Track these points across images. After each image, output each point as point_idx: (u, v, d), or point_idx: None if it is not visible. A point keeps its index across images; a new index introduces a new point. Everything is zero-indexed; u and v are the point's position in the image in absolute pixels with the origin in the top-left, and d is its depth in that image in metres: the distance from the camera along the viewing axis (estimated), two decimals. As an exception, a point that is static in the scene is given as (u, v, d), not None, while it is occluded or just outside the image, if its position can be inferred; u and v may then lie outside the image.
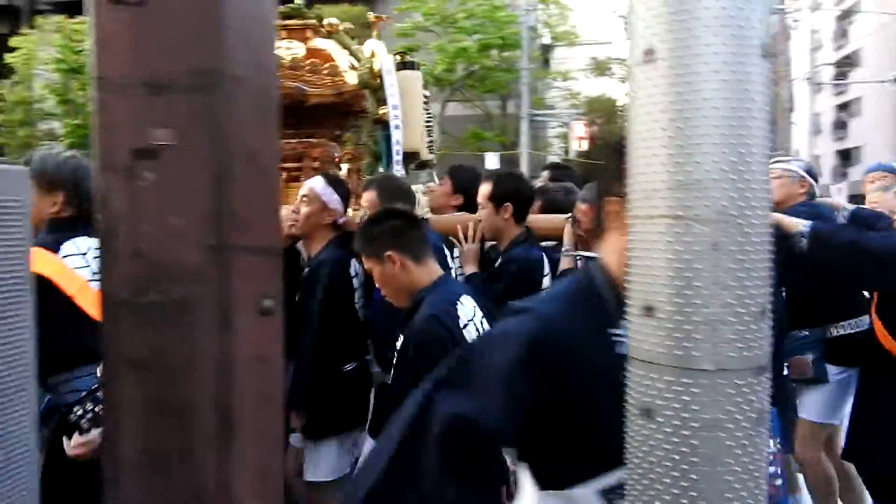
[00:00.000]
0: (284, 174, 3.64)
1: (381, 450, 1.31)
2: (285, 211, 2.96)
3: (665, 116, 0.86)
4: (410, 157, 4.05)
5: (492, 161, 14.24)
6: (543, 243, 3.17)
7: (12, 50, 20.08)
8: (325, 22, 3.97)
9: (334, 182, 3.08)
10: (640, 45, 0.90)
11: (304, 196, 3.01)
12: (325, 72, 3.65)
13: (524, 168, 15.48)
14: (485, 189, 3.02)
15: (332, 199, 2.98)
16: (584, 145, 17.71)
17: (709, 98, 0.84)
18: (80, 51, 18.40)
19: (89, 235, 2.14)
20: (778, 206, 2.84)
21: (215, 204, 0.86)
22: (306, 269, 2.97)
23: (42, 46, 20.20)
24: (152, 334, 0.88)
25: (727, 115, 0.84)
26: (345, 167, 4.08)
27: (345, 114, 3.94)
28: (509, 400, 1.19)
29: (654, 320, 0.86)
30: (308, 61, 3.69)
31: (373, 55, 3.84)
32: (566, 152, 21.74)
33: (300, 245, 3.14)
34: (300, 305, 2.88)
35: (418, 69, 4.07)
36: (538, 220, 3.18)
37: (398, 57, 4.09)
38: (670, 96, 0.86)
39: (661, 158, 0.87)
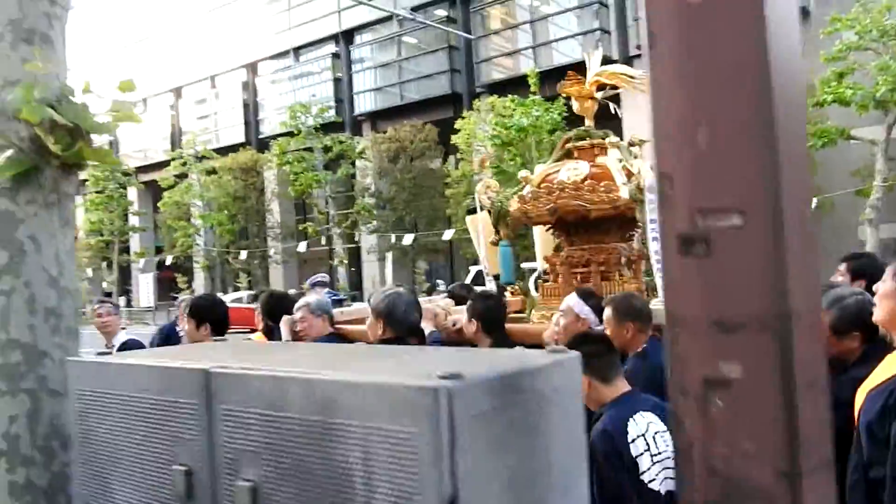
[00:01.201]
0: (578, 276, 4.35)
1: None
2: (552, 325, 3.56)
3: None
4: None
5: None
6: None
7: (457, 131, 23.41)
8: (607, 140, 4.48)
9: (586, 295, 3.55)
10: None
11: (561, 310, 3.48)
12: (602, 189, 4.14)
13: None
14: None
15: (584, 310, 3.44)
16: None
17: None
18: (511, 125, 20.61)
19: None
20: None
21: (785, 431, 0.94)
22: None
23: (479, 125, 23.19)
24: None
25: None
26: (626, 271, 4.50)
27: (623, 222, 4.40)
28: None
29: None
30: (586, 182, 4.23)
31: (639, 172, 4.15)
32: None
33: None
34: None
35: None
36: None
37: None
38: None
39: None
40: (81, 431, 1.70)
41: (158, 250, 34.45)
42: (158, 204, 32.09)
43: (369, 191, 27.30)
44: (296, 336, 4.06)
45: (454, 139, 23.53)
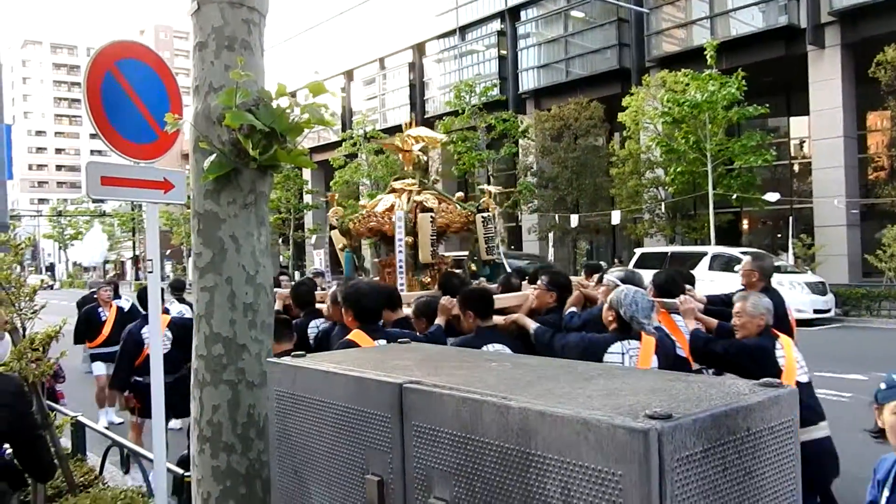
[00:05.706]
0: (387, 273, 6.51)
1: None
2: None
3: None
4: (427, 266, 6.45)
5: None
6: None
7: (624, 108, 22.62)
8: (398, 183, 6.87)
9: (345, 285, 4.88)
10: None
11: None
12: (387, 218, 6.42)
13: None
14: None
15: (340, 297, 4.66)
16: None
17: None
18: (684, 102, 19.62)
19: None
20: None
21: None
22: None
23: (648, 101, 22.25)
24: None
25: None
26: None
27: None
28: None
29: None
30: (385, 212, 6.51)
31: (401, 206, 6.47)
32: None
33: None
34: None
35: (431, 211, 6.32)
36: None
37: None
38: None
39: None
40: (279, 429, 1.78)
41: (330, 227, 36.31)
42: (330, 183, 33.67)
43: (531, 170, 27.10)
44: None
45: (621, 117, 22.75)
